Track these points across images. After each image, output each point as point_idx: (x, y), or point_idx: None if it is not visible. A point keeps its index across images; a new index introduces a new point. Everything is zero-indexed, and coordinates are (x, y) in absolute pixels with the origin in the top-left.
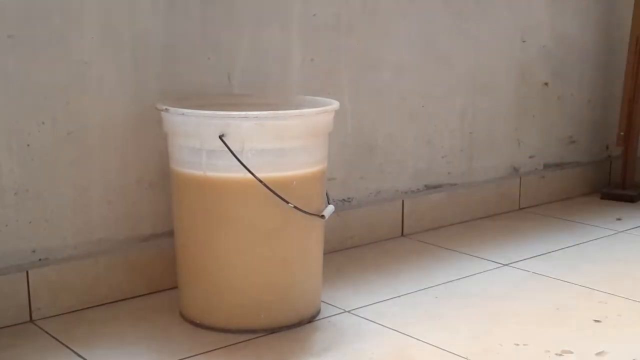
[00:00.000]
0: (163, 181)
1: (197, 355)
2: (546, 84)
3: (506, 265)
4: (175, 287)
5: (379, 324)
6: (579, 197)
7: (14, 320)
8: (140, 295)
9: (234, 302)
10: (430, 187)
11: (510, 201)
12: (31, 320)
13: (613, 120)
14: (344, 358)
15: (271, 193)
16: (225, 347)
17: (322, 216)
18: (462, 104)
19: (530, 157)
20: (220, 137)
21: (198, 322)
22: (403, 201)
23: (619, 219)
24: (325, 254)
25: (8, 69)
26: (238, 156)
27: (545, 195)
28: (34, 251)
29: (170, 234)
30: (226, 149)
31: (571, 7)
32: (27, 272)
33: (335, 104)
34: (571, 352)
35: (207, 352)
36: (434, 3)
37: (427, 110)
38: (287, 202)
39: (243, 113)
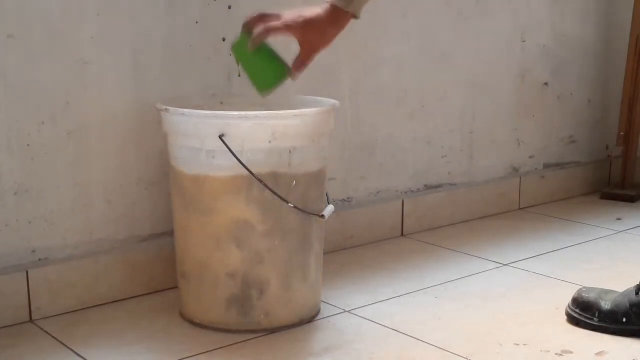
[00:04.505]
0: (163, 181)
1: (197, 355)
2: (546, 84)
3: (506, 265)
4: (175, 287)
5: (379, 324)
6: (579, 197)
7: (14, 320)
8: (140, 295)
9: (234, 302)
10: (430, 187)
11: (510, 201)
12: (31, 320)
13: (613, 120)
14: (344, 358)
15: (271, 193)
16: (225, 347)
17: (322, 216)
18: (462, 104)
19: (530, 157)
20: (220, 137)
21: (198, 322)
22: (403, 201)
23: (619, 219)
24: (325, 254)
25: (8, 69)
26: (238, 156)
27: (545, 195)
28: (34, 251)
29: (170, 234)
30: (226, 148)
31: (571, 7)
32: (27, 272)
33: (335, 104)
34: (571, 352)
35: (207, 352)
36: (434, 3)
37: (427, 110)
38: (287, 202)
39: (243, 113)
